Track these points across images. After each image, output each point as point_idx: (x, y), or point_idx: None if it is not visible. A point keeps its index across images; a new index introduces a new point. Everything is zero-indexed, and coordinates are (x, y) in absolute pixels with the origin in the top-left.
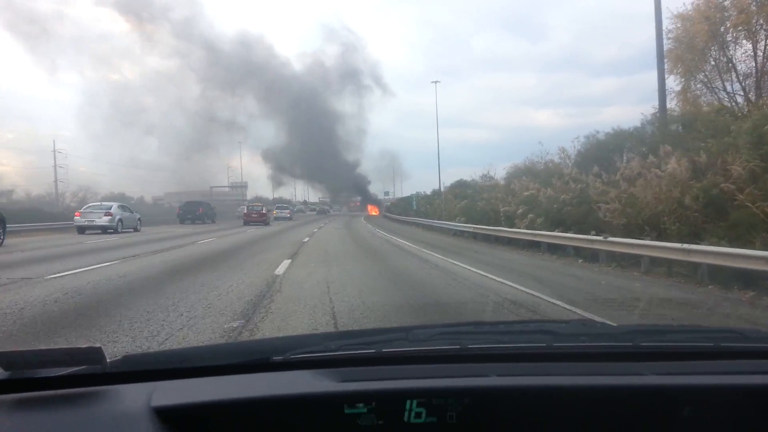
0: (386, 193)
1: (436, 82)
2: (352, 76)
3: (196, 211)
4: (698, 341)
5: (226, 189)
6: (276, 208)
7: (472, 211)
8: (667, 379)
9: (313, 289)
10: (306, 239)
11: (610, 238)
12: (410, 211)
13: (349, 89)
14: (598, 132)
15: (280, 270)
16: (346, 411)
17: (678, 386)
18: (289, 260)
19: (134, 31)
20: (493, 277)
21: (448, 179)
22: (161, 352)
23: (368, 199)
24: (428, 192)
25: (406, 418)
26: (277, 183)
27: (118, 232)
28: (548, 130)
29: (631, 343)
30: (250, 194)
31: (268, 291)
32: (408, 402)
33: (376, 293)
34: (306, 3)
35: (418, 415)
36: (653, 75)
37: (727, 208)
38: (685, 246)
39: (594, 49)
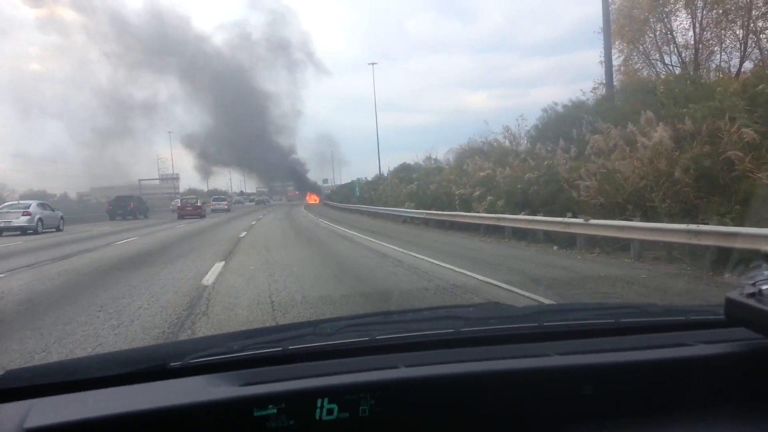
0: (325, 181)
1: (373, 63)
2: (282, 49)
3: (126, 206)
4: (600, 318)
5: (156, 182)
6: (213, 200)
7: (421, 195)
8: (569, 359)
9: (253, 306)
10: (243, 234)
11: (593, 221)
12: (352, 198)
13: (280, 64)
14: (556, 104)
15: (209, 278)
16: (256, 414)
17: (578, 365)
18: (223, 263)
19: (32, 7)
20: (470, 273)
21: (389, 165)
22: (46, 365)
23: (307, 187)
24: (369, 178)
25: (318, 416)
26: (204, 173)
27: (39, 233)
28: (484, 113)
29: (536, 324)
30: (182, 186)
31: (189, 315)
32: (319, 400)
33: (339, 305)
34: None
35: (330, 411)
36: (583, 55)
37: (719, 180)
38: (692, 227)
39: (525, 30)
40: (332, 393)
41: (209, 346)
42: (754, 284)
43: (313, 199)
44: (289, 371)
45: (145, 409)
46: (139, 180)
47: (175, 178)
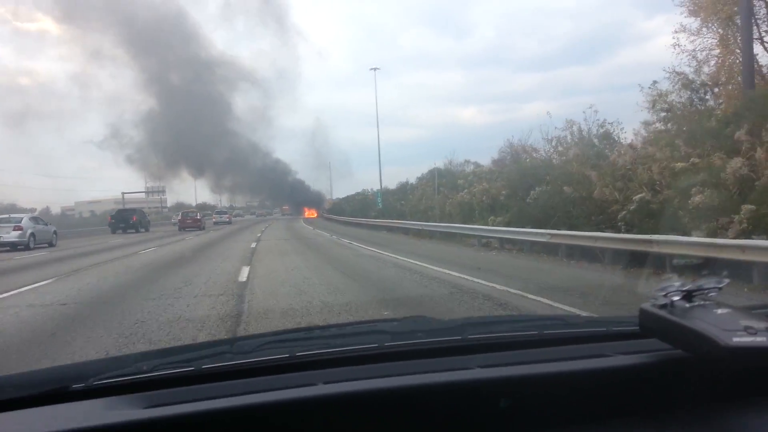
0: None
1: (375, 69)
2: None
3: (129, 220)
4: (523, 330)
5: (142, 195)
6: (215, 214)
7: (531, 205)
8: (491, 371)
9: None
10: (244, 276)
11: None
12: (370, 212)
13: (277, 88)
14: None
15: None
16: None
17: (499, 378)
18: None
19: None
20: None
21: (384, 179)
22: None
23: (306, 200)
24: (373, 189)
25: None
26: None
27: (30, 249)
28: (475, 127)
29: (460, 337)
30: (170, 200)
31: None
32: (230, 420)
33: None
34: None
35: None
36: (571, 70)
37: None
38: None
39: (516, 45)
40: (245, 413)
41: (118, 367)
42: (665, 295)
43: (310, 213)
44: (202, 391)
45: None
46: (123, 193)
47: (161, 191)
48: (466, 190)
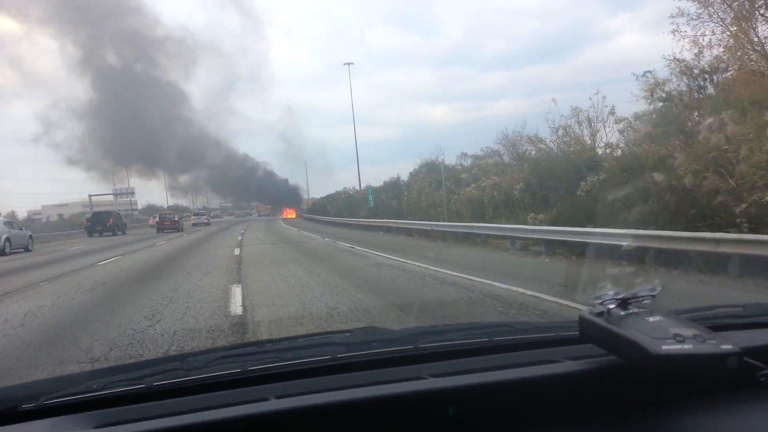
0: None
1: (349, 63)
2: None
3: (105, 223)
4: (474, 338)
5: (110, 197)
6: (194, 215)
7: (583, 199)
8: (441, 381)
9: None
10: (237, 304)
11: None
12: (359, 212)
13: (248, 90)
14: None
15: None
16: None
17: (449, 387)
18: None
19: None
20: None
21: (356, 179)
22: None
23: (283, 199)
24: (358, 188)
25: None
26: (172, 190)
27: (6, 254)
28: (446, 125)
29: (412, 346)
30: (140, 202)
31: None
32: None
33: None
34: None
35: None
36: (539, 68)
37: None
38: None
39: (484, 44)
40: (198, 431)
41: (67, 385)
42: (602, 303)
43: (289, 213)
44: (153, 409)
45: None
46: (89, 195)
47: (131, 192)
48: (473, 185)
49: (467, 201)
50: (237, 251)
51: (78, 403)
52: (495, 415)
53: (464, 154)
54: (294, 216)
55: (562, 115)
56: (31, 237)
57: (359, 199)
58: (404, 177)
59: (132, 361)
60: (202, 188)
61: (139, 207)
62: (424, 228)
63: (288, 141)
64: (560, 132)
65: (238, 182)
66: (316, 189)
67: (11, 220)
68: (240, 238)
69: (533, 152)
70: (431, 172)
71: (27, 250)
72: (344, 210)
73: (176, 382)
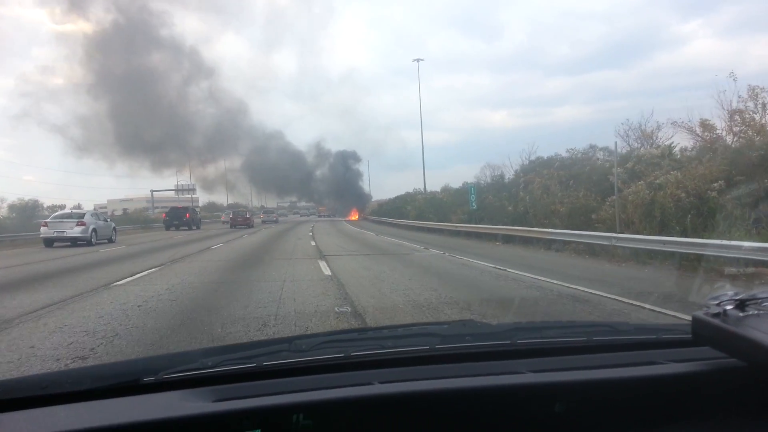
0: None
1: (418, 60)
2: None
3: (182, 217)
4: (572, 336)
5: (171, 193)
6: (263, 213)
7: None
8: (542, 377)
9: None
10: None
11: None
12: (449, 215)
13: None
14: None
15: None
16: (231, 429)
17: (550, 383)
18: None
19: None
20: None
21: (412, 183)
22: (18, 378)
23: (351, 200)
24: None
25: None
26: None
27: (93, 244)
28: (504, 131)
29: (509, 341)
30: (201, 199)
31: None
32: (294, 416)
33: None
34: None
35: (305, 427)
36: (602, 74)
37: None
38: None
39: (548, 49)
40: (308, 409)
41: (183, 362)
42: (719, 304)
43: (353, 215)
44: (264, 387)
45: (117, 424)
46: (151, 191)
47: (192, 189)
48: (639, 182)
49: (636, 204)
50: (325, 268)
51: (194, 379)
52: (597, 414)
53: (593, 146)
54: (356, 218)
55: (739, 96)
56: (114, 229)
57: (448, 201)
58: (463, 180)
59: (245, 341)
60: (268, 188)
61: (200, 204)
62: (573, 239)
63: (345, 143)
64: (737, 117)
65: (299, 181)
66: (380, 191)
67: (97, 212)
68: (314, 243)
69: (690, 145)
70: (542, 167)
71: (110, 241)
72: (428, 213)
73: (285, 363)
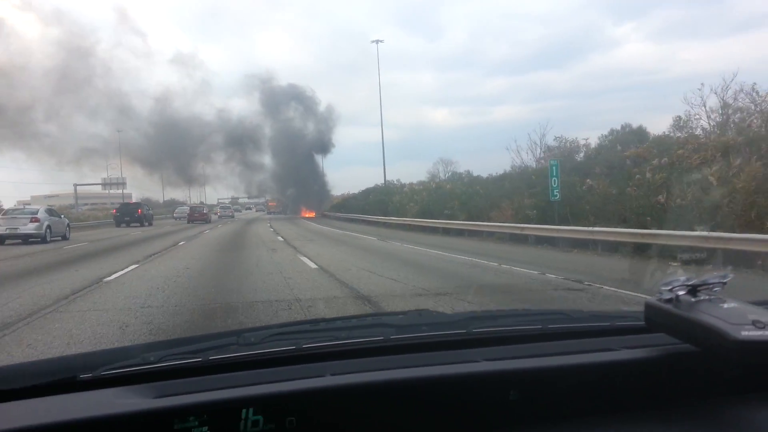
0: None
1: (377, 41)
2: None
3: (134, 213)
4: (528, 324)
5: (98, 188)
6: (219, 208)
7: None
8: (496, 365)
9: None
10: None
11: None
12: (439, 212)
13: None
14: None
15: None
16: (176, 427)
17: (505, 371)
18: None
19: None
20: None
21: (360, 180)
22: None
23: (308, 194)
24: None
25: (242, 428)
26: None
27: (47, 242)
28: (445, 129)
29: (465, 330)
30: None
31: None
32: (243, 411)
33: None
34: None
35: (255, 423)
36: (540, 75)
37: None
38: None
39: (487, 49)
40: (257, 403)
41: (124, 357)
42: (671, 290)
43: (307, 212)
44: (211, 382)
45: (48, 423)
46: (75, 185)
47: (122, 183)
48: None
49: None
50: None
51: (134, 375)
52: (551, 401)
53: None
54: (313, 215)
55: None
56: (68, 225)
57: (448, 191)
58: (412, 177)
59: (189, 335)
60: (219, 178)
61: (134, 200)
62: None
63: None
64: None
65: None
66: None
67: (52, 208)
68: (305, 259)
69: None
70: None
71: (64, 238)
72: (451, 208)
73: (232, 357)
